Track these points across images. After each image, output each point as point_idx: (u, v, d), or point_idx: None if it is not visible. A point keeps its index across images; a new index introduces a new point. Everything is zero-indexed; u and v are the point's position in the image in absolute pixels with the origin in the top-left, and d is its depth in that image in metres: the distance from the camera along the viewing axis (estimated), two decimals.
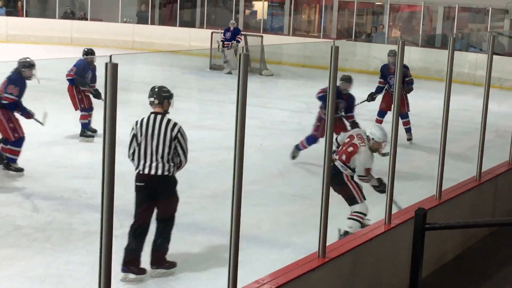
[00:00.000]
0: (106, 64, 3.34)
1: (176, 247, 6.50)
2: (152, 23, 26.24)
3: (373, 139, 7.30)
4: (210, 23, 25.45)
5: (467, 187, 7.69)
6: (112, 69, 3.35)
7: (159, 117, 6.24)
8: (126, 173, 8.11)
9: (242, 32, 21.35)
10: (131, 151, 6.22)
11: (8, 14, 26.23)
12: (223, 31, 20.86)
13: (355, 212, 7.25)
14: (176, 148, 6.24)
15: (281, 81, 19.86)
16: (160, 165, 6.18)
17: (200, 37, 23.70)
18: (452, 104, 6.97)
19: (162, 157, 6.17)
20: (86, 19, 25.78)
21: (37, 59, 14.91)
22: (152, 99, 6.36)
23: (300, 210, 8.31)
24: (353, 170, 7.27)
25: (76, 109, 11.22)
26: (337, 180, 7.12)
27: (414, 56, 20.67)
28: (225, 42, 20.31)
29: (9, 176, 8.99)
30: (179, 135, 6.22)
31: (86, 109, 11.23)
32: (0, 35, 24.64)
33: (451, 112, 6.96)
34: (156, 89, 6.42)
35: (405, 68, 11.73)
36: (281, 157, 10.71)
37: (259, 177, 9.27)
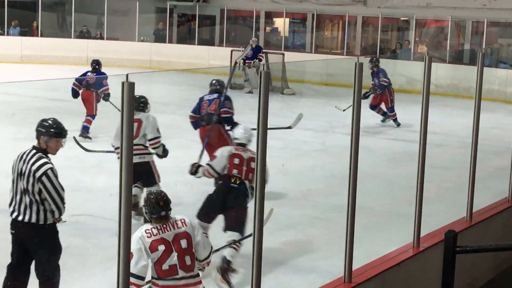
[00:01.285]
0: (123, 83, 3.35)
1: None
2: (170, 41, 26.39)
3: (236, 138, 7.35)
4: (229, 41, 25.55)
5: (499, 209, 7.63)
6: (129, 89, 3.36)
7: (32, 152, 5.58)
8: (142, 195, 8.11)
9: (264, 51, 21.35)
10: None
11: (23, 34, 26.48)
12: (243, 49, 20.85)
13: (233, 240, 6.63)
14: (42, 192, 5.51)
15: (304, 99, 19.85)
16: (28, 210, 5.54)
17: (220, 55, 23.79)
18: (481, 122, 6.93)
19: (31, 201, 5.51)
20: (102, 38, 25.97)
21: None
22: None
23: (324, 233, 8.28)
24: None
25: (94, 114, 12.80)
26: (241, 199, 6.86)
27: (441, 73, 20.63)
28: (247, 61, 20.26)
29: None
30: (44, 178, 5.48)
31: (93, 116, 12.89)
32: (15, 56, 24.85)
33: (481, 130, 6.92)
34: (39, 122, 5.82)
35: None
36: (303, 178, 10.69)
37: (281, 199, 9.26)
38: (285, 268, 7.14)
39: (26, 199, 5.47)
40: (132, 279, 4.58)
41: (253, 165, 6.84)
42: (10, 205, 5.59)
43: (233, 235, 6.73)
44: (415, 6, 23.80)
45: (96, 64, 13.75)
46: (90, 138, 12.42)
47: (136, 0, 26.35)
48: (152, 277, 4.97)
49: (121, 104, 3.36)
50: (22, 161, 5.50)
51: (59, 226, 6.76)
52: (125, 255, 3.45)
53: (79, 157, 11.27)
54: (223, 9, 26.31)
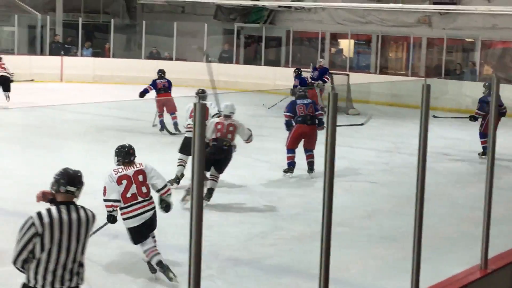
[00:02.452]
0: (195, 104, 3.37)
1: None
2: (237, 62, 26.56)
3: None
4: (295, 62, 25.58)
5: None
6: (201, 109, 3.38)
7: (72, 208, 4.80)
8: (211, 213, 8.17)
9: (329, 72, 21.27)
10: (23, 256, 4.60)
11: (95, 55, 27.02)
12: (311, 69, 20.85)
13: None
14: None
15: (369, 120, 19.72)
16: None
17: (285, 76, 23.80)
18: None
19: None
20: (171, 59, 26.29)
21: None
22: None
23: (390, 253, 8.18)
24: None
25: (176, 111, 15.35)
26: (229, 156, 10.01)
27: (508, 95, 20.23)
28: (313, 81, 20.27)
29: (96, 214, 9.15)
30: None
31: (175, 112, 15.51)
32: (88, 76, 25.34)
33: None
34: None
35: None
36: (369, 198, 10.60)
37: (347, 218, 9.20)
38: (349, 286, 7.08)
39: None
40: (109, 203, 6.88)
41: (231, 128, 9.96)
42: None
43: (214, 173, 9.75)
44: (481, 28, 23.46)
45: (162, 73, 16.55)
46: (180, 132, 13.95)
47: (205, 22, 26.63)
48: (120, 208, 6.91)
49: (193, 124, 3.38)
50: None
51: (126, 242, 6.80)
52: (196, 272, 3.45)
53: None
54: (289, 30, 26.40)
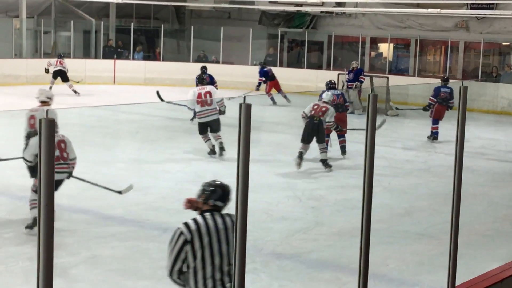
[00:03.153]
0: (240, 105, 3.38)
1: (302, 284, 6.48)
2: (280, 65, 26.56)
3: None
4: (336, 65, 25.50)
5: None
6: (246, 110, 3.39)
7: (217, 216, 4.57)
8: (255, 210, 8.19)
9: (367, 73, 21.20)
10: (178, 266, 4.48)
11: (146, 58, 27.25)
12: (347, 72, 20.87)
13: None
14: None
15: (407, 121, 19.59)
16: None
17: (327, 79, 23.70)
18: None
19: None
20: (218, 62, 26.38)
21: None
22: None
23: (427, 249, 8.11)
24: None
25: None
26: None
27: None
28: (349, 83, 20.28)
29: (146, 209, 9.26)
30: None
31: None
32: (139, 78, 25.59)
33: None
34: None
35: None
36: (407, 196, 10.53)
37: (385, 215, 9.14)
38: (387, 280, 7.03)
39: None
40: None
41: (323, 109, 12.07)
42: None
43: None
44: None
45: (204, 69, 17.82)
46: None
47: (250, 27, 26.67)
48: None
49: (238, 123, 3.39)
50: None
51: None
52: (241, 267, 3.46)
53: (196, 172, 11.49)
54: (330, 35, 26.33)
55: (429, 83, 22.62)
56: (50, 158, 2.79)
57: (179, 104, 11.61)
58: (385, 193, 10.25)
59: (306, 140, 11.92)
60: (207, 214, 4.48)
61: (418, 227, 9.00)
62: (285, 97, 21.13)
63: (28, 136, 8.52)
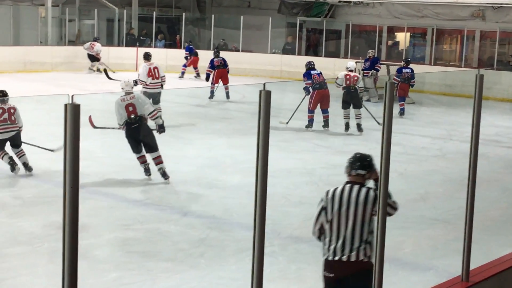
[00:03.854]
0: (260, 91, 3.38)
1: (319, 267, 6.47)
2: (299, 53, 26.48)
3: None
4: (354, 54, 25.38)
5: None
6: (266, 96, 3.39)
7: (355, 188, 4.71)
8: (273, 194, 8.19)
9: (384, 62, 21.07)
10: (317, 227, 4.80)
11: (167, 46, 27.25)
12: (363, 60, 20.77)
13: None
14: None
15: (423, 108, 19.49)
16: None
17: (344, 67, 23.63)
18: None
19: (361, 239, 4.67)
20: (238, 51, 26.34)
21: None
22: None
23: (441, 234, 8.09)
24: None
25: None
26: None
27: None
28: (365, 71, 20.20)
29: (169, 193, 9.31)
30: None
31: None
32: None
33: None
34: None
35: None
36: (422, 182, 10.49)
37: (401, 201, 9.04)
38: (403, 264, 7.02)
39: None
40: None
41: (355, 78, 14.40)
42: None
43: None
44: None
45: (218, 52, 19.11)
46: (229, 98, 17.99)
47: (269, 16, 26.58)
48: None
49: (258, 110, 3.40)
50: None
51: (196, 219, 6.81)
52: (259, 249, 3.47)
53: (216, 157, 11.51)
54: (348, 24, 26.19)
55: (445, 71, 22.52)
56: (75, 143, 2.81)
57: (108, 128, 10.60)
58: (401, 179, 10.20)
59: (344, 106, 14.06)
60: (347, 186, 4.73)
61: (433, 213, 8.97)
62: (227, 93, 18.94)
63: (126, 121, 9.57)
